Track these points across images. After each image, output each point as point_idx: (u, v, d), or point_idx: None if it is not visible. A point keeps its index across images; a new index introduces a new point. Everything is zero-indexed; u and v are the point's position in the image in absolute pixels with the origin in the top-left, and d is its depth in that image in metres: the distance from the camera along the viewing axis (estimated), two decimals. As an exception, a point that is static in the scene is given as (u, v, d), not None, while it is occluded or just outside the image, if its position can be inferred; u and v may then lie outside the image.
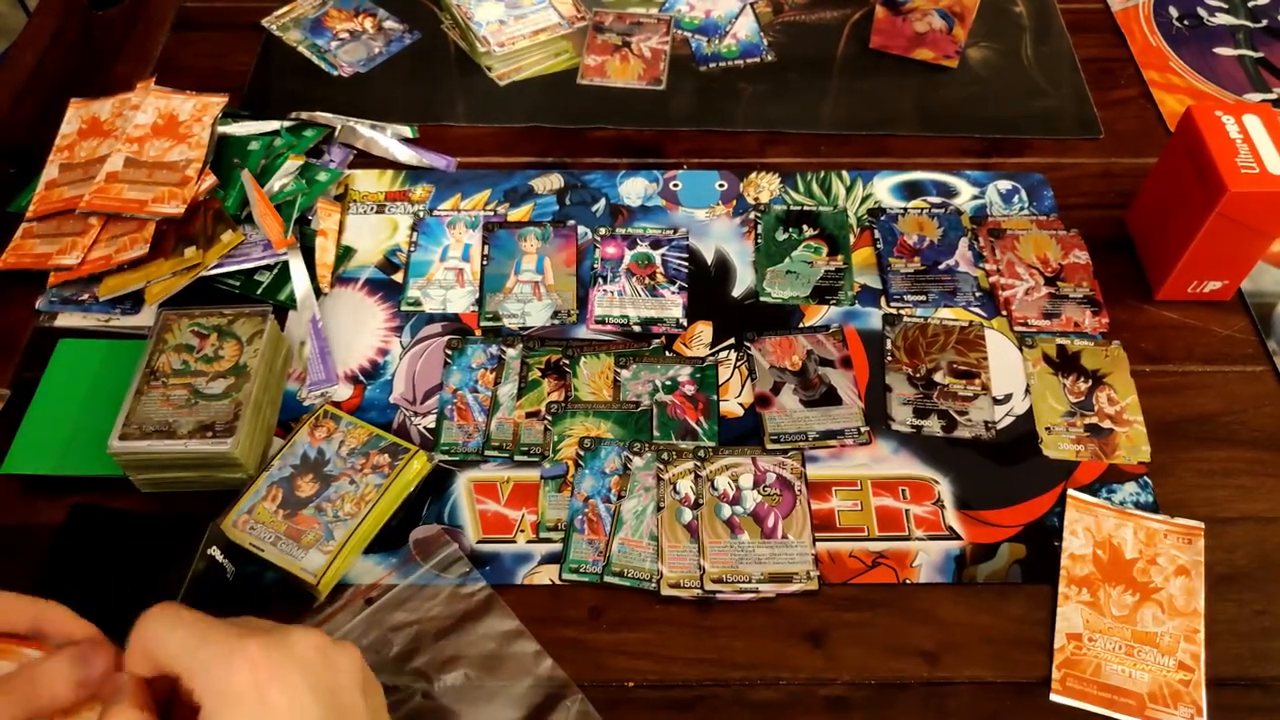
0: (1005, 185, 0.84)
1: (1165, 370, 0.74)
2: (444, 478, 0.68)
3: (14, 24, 1.63)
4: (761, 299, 0.77)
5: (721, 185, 0.84)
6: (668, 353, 0.74)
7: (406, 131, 0.87)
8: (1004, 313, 0.76)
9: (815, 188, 0.84)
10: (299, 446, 0.66)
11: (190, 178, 0.76)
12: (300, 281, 0.76)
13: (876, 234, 0.81)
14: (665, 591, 0.63)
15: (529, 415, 0.70)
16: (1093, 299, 0.76)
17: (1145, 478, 0.68)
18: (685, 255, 0.79)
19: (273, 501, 0.64)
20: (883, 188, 0.84)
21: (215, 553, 0.60)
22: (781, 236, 0.80)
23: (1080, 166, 0.86)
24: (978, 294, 0.77)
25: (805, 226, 0.81)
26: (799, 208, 0.82)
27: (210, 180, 0.77)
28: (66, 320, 0.75)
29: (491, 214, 0.82)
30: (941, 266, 0.78)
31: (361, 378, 0.72)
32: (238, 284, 0.76)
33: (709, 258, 0.80)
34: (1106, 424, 0.70)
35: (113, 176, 0.77)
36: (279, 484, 0.64)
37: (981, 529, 0.66)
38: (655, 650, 0.61)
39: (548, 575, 0.64)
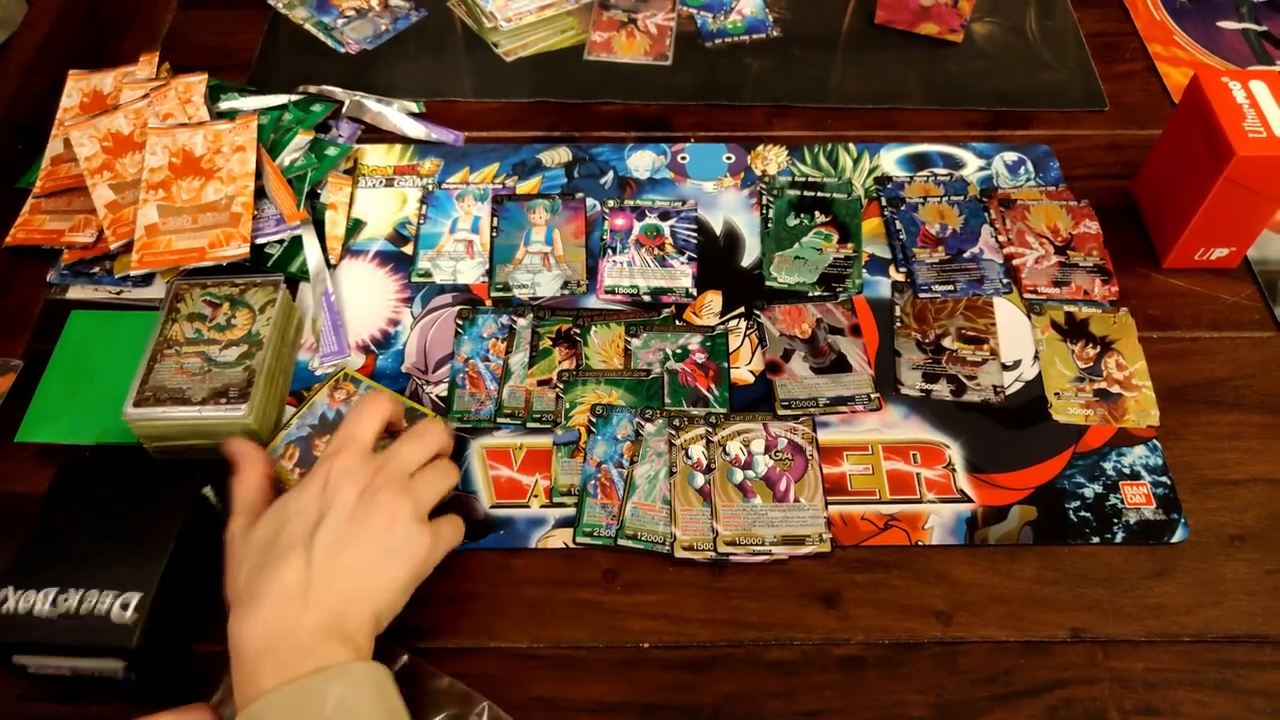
0: (1011, 157, 0.85)
1: (1173, 337, 0.74)
2: (457, 444, 0.68)
3: (16, 16, 1.62)
4: (767, 283, 0.77)
5: (729, 158, 0.84)
6: (678, 321, 0.74)
7: (413, 107, 0.87)
8: (1012, 280, 0.76)
9: (823, 159, 0.84)
10: (318, 407, 0.67)
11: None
12: (313, 254, 0.76)
13: (884, 202, 0.81)
14: (679, 554, 0.63)
15: (541, 383, 0.70)
16: (1103, 268, 0.77)
17: (1155, 441, 0.68)
18: (694, 226, 0.79)
19: (289, 459, 0.64)
20: (889, 159, 0.84)
21: (208, 493, 0.60)
22: (793, 222, 0.80)
23: (1086, 138, 0.87)
24: (1005, 280, 0.76)
25: (818, 213, 0.80)
26: (813, 194, 0.81)
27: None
28: (78, 293, 0.75)
29: (500, 187, 0.82)
30: (966, 254, 0.78)
31: (373, 347, 0.72)
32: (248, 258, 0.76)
33: (718, 229, 0.80)
34: (1115, 389, 0.71)
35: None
36: (296, 443, 0.65)
37: (992, 491, 0.66)
38: (670, 612, 0.61)
39: (561, 539, 0.64)
